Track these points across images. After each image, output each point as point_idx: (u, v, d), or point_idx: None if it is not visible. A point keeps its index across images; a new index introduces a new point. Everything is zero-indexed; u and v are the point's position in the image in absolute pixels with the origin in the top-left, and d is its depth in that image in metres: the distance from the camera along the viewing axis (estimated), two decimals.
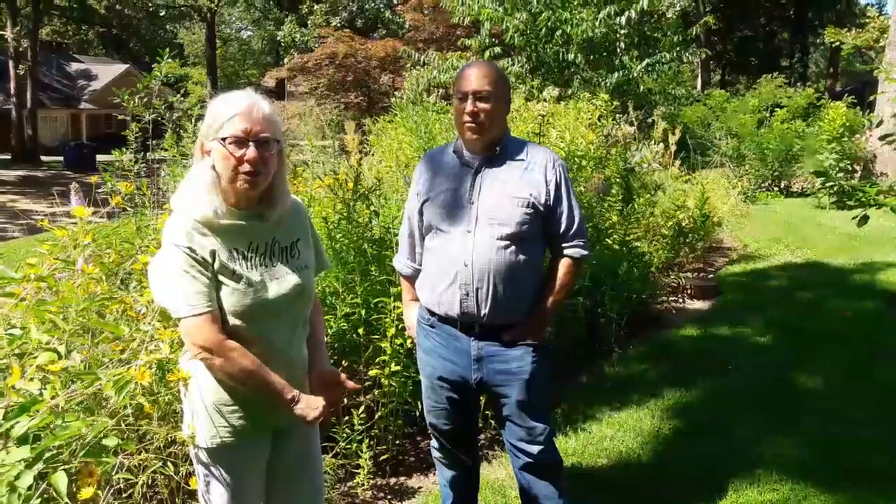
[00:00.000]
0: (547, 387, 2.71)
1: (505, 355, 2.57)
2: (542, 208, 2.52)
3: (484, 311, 2.50)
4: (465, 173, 2.56)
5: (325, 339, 2.42)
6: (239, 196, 1.95)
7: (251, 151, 1.88)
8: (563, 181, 2.56)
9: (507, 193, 2.50)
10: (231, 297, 1.93)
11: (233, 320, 1.94)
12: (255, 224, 1.99)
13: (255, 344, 1.97)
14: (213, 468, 2.05)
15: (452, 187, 2.56)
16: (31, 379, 1.89)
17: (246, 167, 1.88)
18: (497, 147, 2.55)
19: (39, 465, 1.69)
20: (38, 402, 1.76)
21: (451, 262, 2.51)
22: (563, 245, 2.61)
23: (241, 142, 1.88)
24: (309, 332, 2.18)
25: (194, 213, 1.91)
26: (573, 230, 2.59)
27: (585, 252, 2.63)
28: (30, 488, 1.62)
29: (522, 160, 2.56)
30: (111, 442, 1.87)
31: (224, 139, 1.89)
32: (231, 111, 1.90)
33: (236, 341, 1.93)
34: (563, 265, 2.61)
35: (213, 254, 1.91)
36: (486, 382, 2.61)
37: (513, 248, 2.48)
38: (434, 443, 2.88)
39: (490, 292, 2.48)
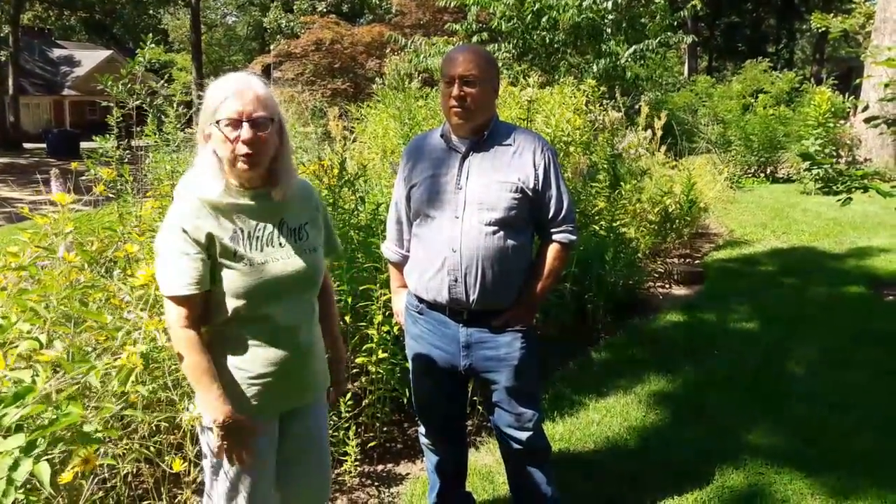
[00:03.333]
0: (536, 373, 2.70)
1: (494, 341, 2.56)
2: (530, 193, 2.50)
3: (473, 297, 2.49)
4: (453, 158, 2.54)
5: None
6: (241, 177, 1.97)
7: (246, 132, 1.89)
8: (551, 166, 2.54)
9: (495, 178, 2.48)
10: (232, 277, 1.94)
11: (234, 301, 1.95)
12: (263, 204, 2.01)
13: (258, 322, 1.99)
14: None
15: (440, 173, 2.54)
16: (13, 368, 1.87)
17: (242, 148, 1.89)
18: (485, 131, 2.52)
19: (37, 452, 1.67)
20: (31, 390, 1.74)
21: (440, 249, 2.49)
22: (552, 230, 2.59)
23: (235, 123, 1.89)
24: (325, 328, 2.25)
25: (200, 195, 1.94)
26: (562, 215, 2.58)
27: (574, 237, 2.62)
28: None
29: (510, 145, 2.53)
30: (90, 427, 1.86)
31: (219, 122, 1.91)
32: (223, 94, 1.92)
33: (240, 321, 1.96)
34: (552, 250, 2.60)
35: (209, 237, 1.92)
36: (475, 369, 2.60)
37: (501, 233, 2.47)
38: (422, 429, 2.88)
39: (478, 278, 2.47)
